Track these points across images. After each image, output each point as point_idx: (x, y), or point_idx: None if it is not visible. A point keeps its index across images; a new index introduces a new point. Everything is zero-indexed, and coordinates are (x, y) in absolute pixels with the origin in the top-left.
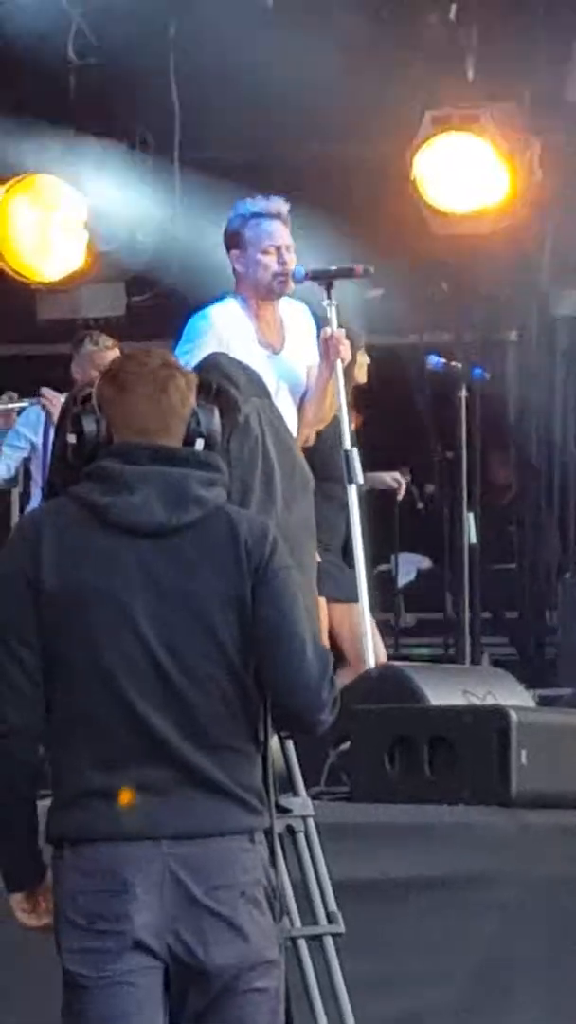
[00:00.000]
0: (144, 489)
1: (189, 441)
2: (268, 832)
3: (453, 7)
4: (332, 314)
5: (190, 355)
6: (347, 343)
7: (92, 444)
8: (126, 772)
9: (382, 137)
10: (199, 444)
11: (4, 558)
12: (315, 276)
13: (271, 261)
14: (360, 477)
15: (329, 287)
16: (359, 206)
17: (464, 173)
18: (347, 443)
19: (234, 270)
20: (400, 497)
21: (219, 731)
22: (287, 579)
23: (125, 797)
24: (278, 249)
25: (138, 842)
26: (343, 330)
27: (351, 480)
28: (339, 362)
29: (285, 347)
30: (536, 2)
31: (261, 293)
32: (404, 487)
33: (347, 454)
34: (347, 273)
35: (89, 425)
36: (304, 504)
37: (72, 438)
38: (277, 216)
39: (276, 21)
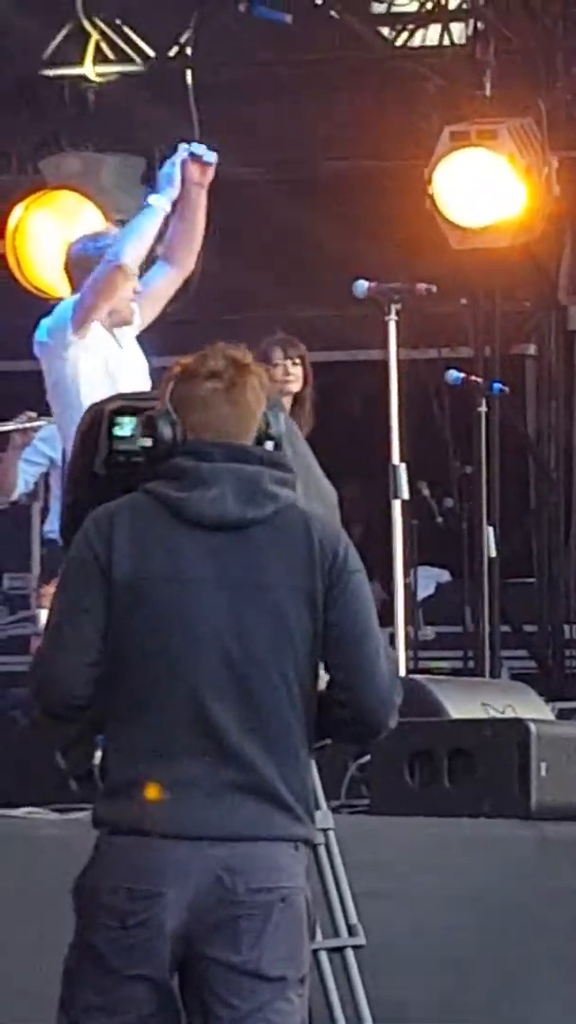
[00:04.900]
0: (219, 484)
1: (258, 443)
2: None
3: (471, 22)
4: (392, 329)
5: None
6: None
7: (168, 448)
8: (179, 766)
9: (401, 152)
10: (267, 446)
11: (78, 544)
12: (378, 292)
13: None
14: (405, 492)
15: (389, 303)
16: (378, 221)
17: (482, 188)
18: (395, 458)
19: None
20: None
21: (280, 730)
22: (361, 581)
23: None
24: None
25: (180, 841)
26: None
27: (396, 495)
28: None
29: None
30: (554, 17)
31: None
32: None
33: (394, 469)
34: (409, 291)
35: (166, 430)
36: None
37: (148, 442)
38: None
39: (295, 36)
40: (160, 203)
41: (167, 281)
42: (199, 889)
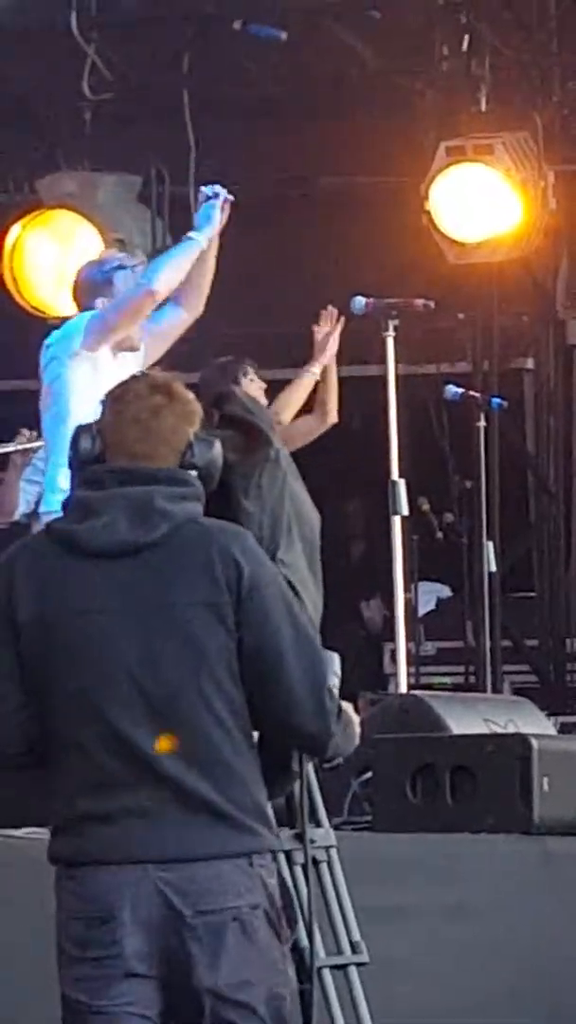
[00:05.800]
0: (110, 512)
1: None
2: (276, 853)
3: (466, 37)
4: (390, 345)
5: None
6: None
7: (86, 460)
8: (116, 796)
9: (397, 168)
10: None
11: None
12: (376, 308)
13: None
14: (405, 507)
15: (387, 319)
16: (375, 237)
17: (478, 203)
18: (394, 474)
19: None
20: None
21: (210, 747)
22: (269, 594)
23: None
24: None
25: (125, 866)
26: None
27: (396, 511)
28: None
29: None
30: (549, 31)
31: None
32: None
33: (394, 484)
34: (406, 306)
35: (85, 442)
36: (313, 551)
37: (69, 452)
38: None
39: (289, 53)
40: (200, 238)
41: (177, 322)
42: (151, 912)
